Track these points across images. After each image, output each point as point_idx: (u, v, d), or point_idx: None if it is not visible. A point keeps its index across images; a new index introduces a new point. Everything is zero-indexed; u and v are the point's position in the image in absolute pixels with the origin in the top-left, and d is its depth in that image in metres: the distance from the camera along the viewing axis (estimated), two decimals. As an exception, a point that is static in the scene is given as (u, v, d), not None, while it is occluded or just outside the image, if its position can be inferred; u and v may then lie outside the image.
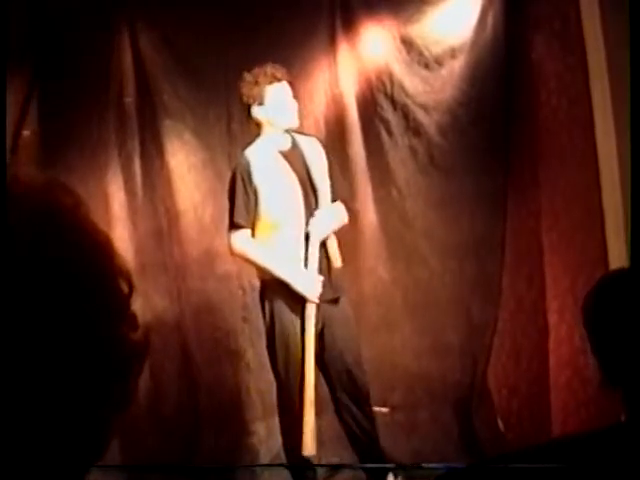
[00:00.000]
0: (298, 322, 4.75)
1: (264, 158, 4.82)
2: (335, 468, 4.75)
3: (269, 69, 4.83)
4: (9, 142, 5.52)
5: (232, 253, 4.91)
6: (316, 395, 4.80)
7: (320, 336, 4.76)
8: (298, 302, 4.75)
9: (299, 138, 4.94)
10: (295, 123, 4.86)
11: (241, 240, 4.78)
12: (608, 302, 1.90)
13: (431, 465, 4.80)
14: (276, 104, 4.81)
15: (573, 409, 5.34)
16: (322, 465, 4.74)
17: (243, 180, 4.79)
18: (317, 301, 4.70)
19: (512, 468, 1.53)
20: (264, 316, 4.86)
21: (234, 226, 4.78)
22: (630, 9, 4.23)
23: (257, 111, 4.84)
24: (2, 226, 0.80)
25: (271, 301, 4.79)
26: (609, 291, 1.94)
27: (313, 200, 4.80)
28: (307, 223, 4.74)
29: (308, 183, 4.82)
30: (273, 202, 4.76)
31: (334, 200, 4.90)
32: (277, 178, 4.80)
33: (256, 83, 4.81)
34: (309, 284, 4.70)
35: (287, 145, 4.87)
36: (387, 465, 4.92)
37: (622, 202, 4.79)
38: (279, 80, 4.81)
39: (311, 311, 4.70)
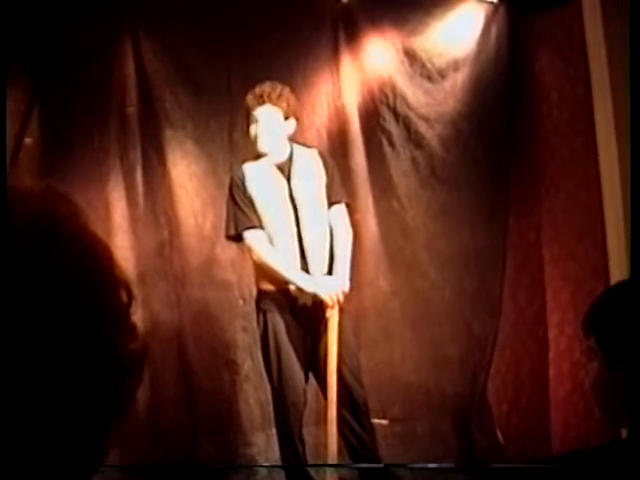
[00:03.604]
0: (282, 335, 4.74)
1: (258, 170, 4.84)
2: (332, 468, 4.72)
3: (258, 91, 4.83)
4: (10, 151, 5.52)
5: (251, 256, 4.88)
6: (317, 408, 4.78)
7: (318, 349, 4.75)
8: (292, 313, 4.75)
9: (298, 150, 4.94)
10: (266, 151, 4.84)
11: (258, 240, 4.77)
12: (614, 311, 1.89)
13: (424, 465, 4.80)
14: (254, 128, 4.83)
15: (573, 422, 5.34)
16: (318, 465, 4.73)
17: (239, 189, 4.81)
18: (335, 297, 4.66)
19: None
20: (258, 324, 4.87)
21: (246, 228, 4.77)
22: (631, 21, 4.24)
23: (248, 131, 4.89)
24: (0, 235, 0.79)
25: (265, 311, 4.79)
26: (615, 300, 1.93)
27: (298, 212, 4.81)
28: (299, 234, 4.76)
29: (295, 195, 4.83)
30: (266, 213, 4.77)
31: (331, 204, 4.89)
32: (269, 190, 4.81)
33: (245, 105, 4.86)
34: (321, 284, 4.69)
35: (284, 157, 4.88)
36: (382, 465, 4.91)
37: (624, 215, 4.79)
38: (264, 103, 4.81)
39: (333, 320, 4.68)
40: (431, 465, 4.97)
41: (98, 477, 0.89)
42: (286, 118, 4.87)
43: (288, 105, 4.87)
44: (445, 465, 5.22)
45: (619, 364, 1.82)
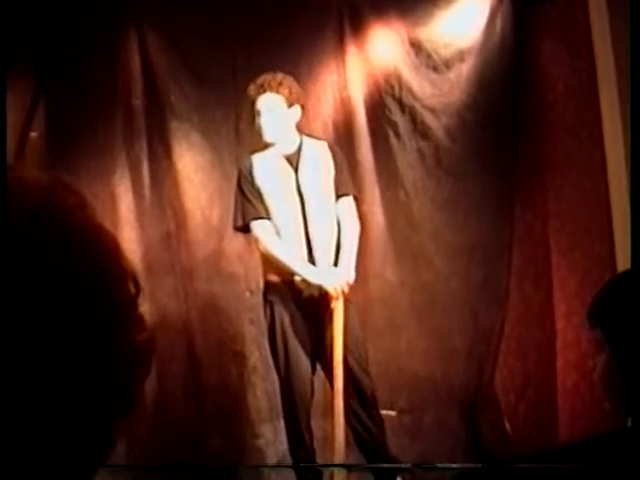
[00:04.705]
0: (288, 326, 4.75)
1: (267, 161, 4.83)
2: (343, 469, 4.73)
3: (259, 80, 4.83)
4: (15, 144, 5.52)
5: (257, 247, 4.88)
6: (324, 400, 4.79)
7: (323, 340, 4.76)
8: (298, 304, 4.75)
9: (307, 141, 4.93)
10: (271, 140, 4.83)
11: (264, 230, 4.77)
12: (619, 301, 1.89)
13: (442, 465, 4.79)
14: (259, 118, 4.82)
15: (580, 412, 5.34)
16: (329, 465, 4.73)
17: (246, 179, 4.81)
18: (339, 289, 4.66)
19: (522, 471, 1.53)
20: (265, 316, 4.86)
21: (253, 218, 4.77)
22: (631, 14, 4.23)
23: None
24: (4, 227, 0.79)
25: (272, 302, 4.79)
26: (620, 290, 1.93)
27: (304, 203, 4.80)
28: (305, 225, 4.76)
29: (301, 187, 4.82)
30: (273, 204, 4.76)
31: (339, 197, 4.89)
32: (277, 181, 4.80)
33: (248, 97, 4.85)
34: (326, 275, 4.69)
35: (293, 149, 4.87)
36: (395, 465, 4.91)
37: (630, 205, 4.78)
38: (264, 92, 4.80)
39: (338, 312, 4.68)
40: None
41: (104, 472, 0.89)
42: (290, 106, 4.85)
43: (290, 92, 4.84)
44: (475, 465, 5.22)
45: (626, 354, 1.81)
